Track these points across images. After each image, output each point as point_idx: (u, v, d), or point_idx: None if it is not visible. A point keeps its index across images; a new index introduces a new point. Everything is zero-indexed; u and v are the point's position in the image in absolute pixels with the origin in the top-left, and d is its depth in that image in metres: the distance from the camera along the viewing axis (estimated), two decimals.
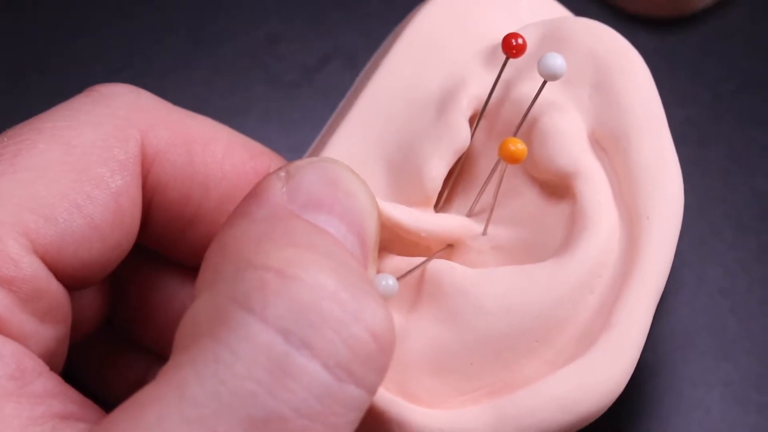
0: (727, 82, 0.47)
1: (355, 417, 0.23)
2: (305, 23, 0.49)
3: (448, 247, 0.30)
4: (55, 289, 0.26)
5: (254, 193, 0.25)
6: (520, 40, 0.28)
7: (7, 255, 0.24)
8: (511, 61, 0.29)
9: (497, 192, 0.29)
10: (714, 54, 0.48)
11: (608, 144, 0.29)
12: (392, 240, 0.29)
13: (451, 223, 0.29)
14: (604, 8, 0.47)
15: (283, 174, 0.25)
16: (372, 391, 0.23)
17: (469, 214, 0.30)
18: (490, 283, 0.28)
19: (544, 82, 0.28)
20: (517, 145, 0.27)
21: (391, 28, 0.34)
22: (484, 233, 0.29)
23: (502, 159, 0.27)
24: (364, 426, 0.24)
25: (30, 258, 0.25)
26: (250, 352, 0.21)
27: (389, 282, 0.26)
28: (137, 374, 0.33)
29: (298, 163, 0.25)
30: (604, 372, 0.27)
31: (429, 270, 0.28)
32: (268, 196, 0.25)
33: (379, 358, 0.23)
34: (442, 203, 0.30)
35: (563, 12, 0.33)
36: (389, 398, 0.27)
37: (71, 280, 0.26)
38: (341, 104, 0.33)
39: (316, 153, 0.31)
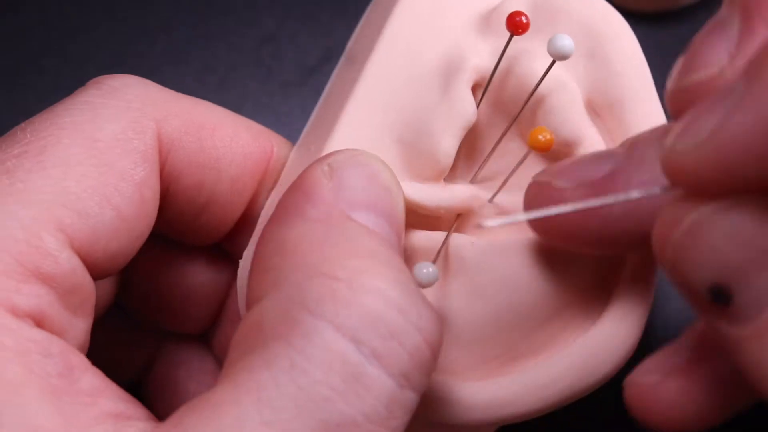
0: None
1: (408, 419, 0.24)
2: (301, 22, 0.49)
3: (458, 217, 0.31)
4: (88, 283, 0.26)
5: (302, 191, 0.26)
6: (524, 18, 0.29)
7: (47, 251, 0.24)
8: (504, 32, 0.29)
9: (514, 171, 0.30)
10: None
11: (603, 110, 0.31)
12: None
13: (463, 194, 0.30)
14: None
15: (326, 168, 0.26)
16: (421, 393, 0.24)
17: (473, 181, 0.31)
18: (509, 258, 0.29)
19: (553, 62, 0.29)
20: (546, 135, 0.28)
21: None
22: (491, 201, 0.30)
23: (531, 149, 0.28)
24: None
25: (68, 253, 0.25)
26: (325, 359, 0.22)
27: (429, 270, 0.27)
28: (146, 356, 0.33)
29: (338, 157, 0.26)
30: (618, 338, 0.29)
31: (451, 246, 0.29)
32: (318, 195, 0.25)
33: (431, 364, 0.24)
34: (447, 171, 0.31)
35: None
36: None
37: (99, 271, 0.26)
38: (326, 90, 0.33)
39: (314, 137, 0.31)
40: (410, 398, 0.23)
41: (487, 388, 0.28)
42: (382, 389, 0.23)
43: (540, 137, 0.28)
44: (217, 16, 0.49)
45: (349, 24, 0.49)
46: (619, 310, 0.29)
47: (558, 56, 0.28)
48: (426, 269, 0.27)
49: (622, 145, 0.27)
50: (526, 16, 0.29)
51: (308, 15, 0.49)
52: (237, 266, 0.30)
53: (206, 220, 0.30)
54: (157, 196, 0.28)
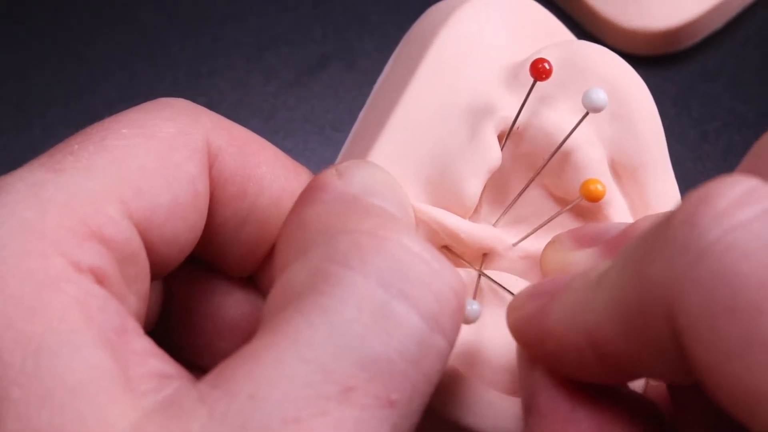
0: (712, 120, 0.48)
1: (441, 367, 0.24)
2: (304, 24, 0.50)
3: (483, 256, 0.31)
4: (144, 259, 0.26)
5: (315, 186, 0.27)
6: (547, 65, 0.30)
7: (109, 216, 0.25)
8: (530, 82, 0.30)
9: (547, 222, 0.31)
10: (699, 92, 0.49)
11: (625, 172, 0.32)
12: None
13: (486, 233, 0.31)
14: None
15: (335, 171, 0.27)
16: (452, 345, 0.24)
17: (495, 225, 0.32)
18: None
19: (586, 114, 0.30)
20: (598, 186, 0.29)
21: (392, 31, 0.35)
22: (515, 245, 0.31)
23: (584, 198, 0.29)
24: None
25: (127, 222, 0.26)
26: (355, 301, 0.23)
27: (474, 307, 0.28)
28: None
29: (345, 163, 0.28)
30: None
31: (491, 281, 0.31)
32: (331, 186, 0.27)
33: (458, 313, 0.24)
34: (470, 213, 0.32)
35: (568, 35, 0.34)
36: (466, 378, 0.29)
37: (154, 257, 0.27)
38: (358, 122, 0.34)
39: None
40: (443, 346, 0.24)
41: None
42: (411, 327, 0.23)
43: (593, 188, 0.29)
44: (222, 53, 0.50)
45: (353, 27, 0.50)
46: None
47: (592, 109, 0.29)
48: (470, 306, 0.27)
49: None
50: (548, 62, 0.30)
51: (312, 18, 0.50)
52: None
53: (246, 236, 0.31)
54: (207, 194, 0.29)
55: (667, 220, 0.21)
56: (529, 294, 0.27)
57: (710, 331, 0.20)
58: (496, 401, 0.28)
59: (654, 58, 0.49)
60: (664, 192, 0.32)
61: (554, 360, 0.25)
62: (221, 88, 0.49)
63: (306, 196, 0.27)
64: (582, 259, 0.29)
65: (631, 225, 0.28)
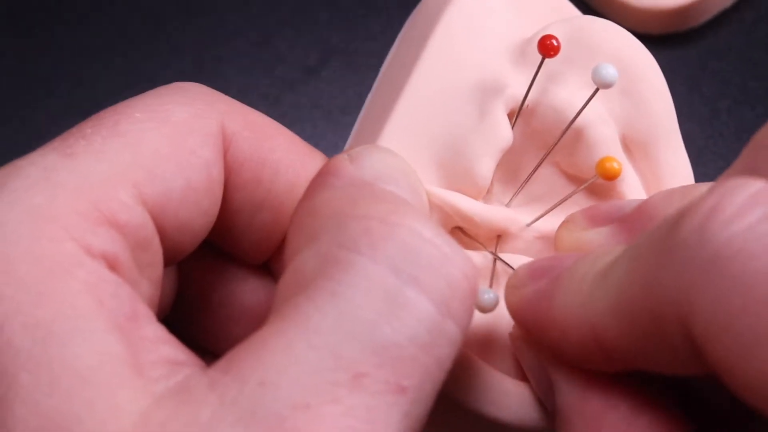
0: (723, 98, 0.48)
1: (452, 353, 0.24)
2: (304, 23, 0.50)
3: (497, 237, 0.31)
4: (157, 244, 0.26)
5: (327, 171, 0.27)
6: (555, 42, 0.30)
7: (121, 201, 0.25)
8: (538, 59, 0.30)
9: (561, 201, 0.31)
10: (710, 71, 0.48)
11: (636, 148, 0.32)
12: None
13: (500, 214, 0.31)
14: None
15: (347, 156, 0.27)
16: (464, 330, 0.24)
17: (508, 205, 0.32)
18: None
19: (596, 90, 0.30)
20: (614, 164, 0.29)
21: (397, 13, 0.35)
22: (529, 225, 0.31)
23: (600, 177, 0.29)
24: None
25: (140, 207, 0.26)
26: (365, 285, 0.23)
27: (490, 296, 0.27)
28: None
29: (357, 149, 0.28)
30: None
31: (508, 265, 0.30)
32: (343, 172, 0.27)
33: (470, 297, 0.24)
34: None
35: (574, 11, 0.34)
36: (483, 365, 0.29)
37: (168, 242, 0.27)
38: (365, 108, 0.34)
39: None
40: (453, 331, 0.24)
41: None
42: (422, 313, 0.23)
43: (609, 166, 0.29)
44: (227, 41, 0.50)
45: (354, 25, 0.50)
46: None
47: (602, 85, 0.29)
48: (487, 294, 0.27)
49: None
50: (557, 39, 0.30)
51: (312, 16, 0.50)
52: None
53: (261, 222, 0.30)
54: (222, 179, 0.28)
55: (677, 226, 0.22)
56: (528, 272, 0.26)
57: (726, 329, 0.20)
58: (515, 389, 0.28)
59: (663, 36, 0.49)
60: (676, 166, 0.32)
61: (558, 348, 0.25)
62: (227, 74, 0.49)
63: (317, 182, 0.27)
64: (596, 238, 0.29)
65: (645, 201, 0.28)
